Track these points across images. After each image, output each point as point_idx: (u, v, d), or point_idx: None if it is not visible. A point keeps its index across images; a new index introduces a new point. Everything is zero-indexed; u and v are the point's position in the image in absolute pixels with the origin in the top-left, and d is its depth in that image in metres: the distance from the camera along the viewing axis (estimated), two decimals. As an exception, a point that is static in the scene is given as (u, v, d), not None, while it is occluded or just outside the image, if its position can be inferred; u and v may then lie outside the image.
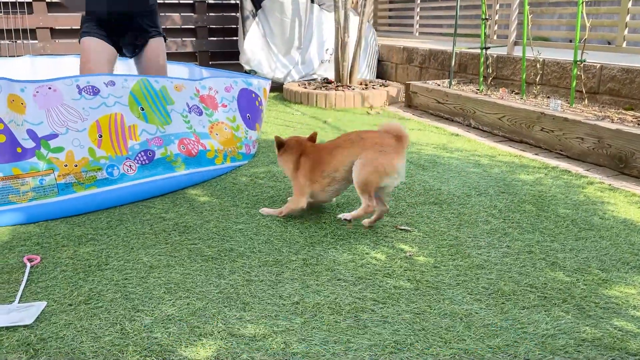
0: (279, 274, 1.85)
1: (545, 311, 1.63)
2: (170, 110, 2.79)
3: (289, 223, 2.30)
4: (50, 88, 2.44)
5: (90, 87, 2.53)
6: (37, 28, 5.40)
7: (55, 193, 2.38)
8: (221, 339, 1.48)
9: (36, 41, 5.43)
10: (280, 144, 2.41)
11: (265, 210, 2.41)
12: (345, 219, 2.33)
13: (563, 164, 3.14)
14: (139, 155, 2.63)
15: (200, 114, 2.95)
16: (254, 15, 5.63)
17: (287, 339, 1.49)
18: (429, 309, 1.64)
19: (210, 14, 6.09)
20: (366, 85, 5.51)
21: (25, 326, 1.55)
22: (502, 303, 1.68)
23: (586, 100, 3.84)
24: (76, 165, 2.43)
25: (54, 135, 2.40)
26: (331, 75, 5.83)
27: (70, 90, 2.47)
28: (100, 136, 2.52)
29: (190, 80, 2.97)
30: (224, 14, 6.14)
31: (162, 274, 1.85)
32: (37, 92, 2.40)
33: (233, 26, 6.12)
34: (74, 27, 5.65)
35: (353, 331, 1.52)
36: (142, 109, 2.68)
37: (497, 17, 5.33)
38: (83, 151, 2.46)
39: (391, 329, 1.54)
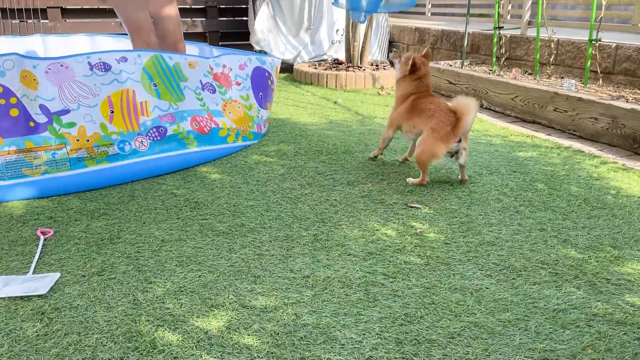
0: (290, 248, 1.86)
1: (556, 287, 1.62)
2: (184, 87, 2.79)
3: (299, 200, 2.30)
4: (62, 65, 2.44)
5: (101, 64, 2.53)
6: (48, 7, 5.39)
7: (68, 167, 2.40)
8: (233, 310, 1.50)
9: (47, 20, 5.43)
10: (414, 68, 2.60)
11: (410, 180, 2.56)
12: (408, 182, 2.53)
13: (576, 144, 3.11)
14: (151, 131, 2.64)
15: (214, 91, 2.94)
16: (265, -5, 5.58)
17: (298, 310, 1.50)
18: (439, 283, 1.64)
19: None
20: (377, 66, 5.46)
21: (39, 296, 1.58)
22: (513, 279, 1.67)
23: (601, 80, 3.78)
24: (88, 140, 2.44)
25: (66, 111, 2.41)
26: (342, 56, 5.78)
27: (82, 67, 2.48)
28: (112, 112, 2.53)
29: (204, 57, 2.96)
30: (234, -7, 6.09)
31: (174, 247, 1.87)
32: (50, 69, 2.41)
33: (243, 6, 6.08)
34: (84, 7, 5.63)
35: (363, 304, 1.53)
36: (155, 85, 2.67)
37: (511, -3, 5.23)
38: (95, 126, 2.47)
39: (401, 302, 1.54)
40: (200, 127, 2.82)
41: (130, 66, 2.61)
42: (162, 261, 1.77)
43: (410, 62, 2.59)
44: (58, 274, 1.70)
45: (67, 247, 1.89)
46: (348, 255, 1.82)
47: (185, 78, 2.81)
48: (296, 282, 1.65)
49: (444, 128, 2.37)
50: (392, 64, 2.81)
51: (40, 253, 1.84)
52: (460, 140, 2.38)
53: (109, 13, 5.66)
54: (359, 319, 1.46)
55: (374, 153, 2.86)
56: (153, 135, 2.64)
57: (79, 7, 5.62)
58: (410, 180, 2.52)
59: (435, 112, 2.43)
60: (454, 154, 2.43)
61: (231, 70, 3.07)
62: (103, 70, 2.53)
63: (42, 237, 1.93)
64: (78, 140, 2.42)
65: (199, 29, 6.03)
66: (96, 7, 5.65)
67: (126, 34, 3.50)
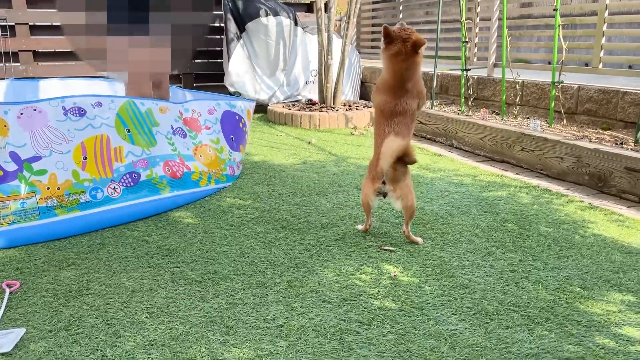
0: (263, 296, 1.84)
1: (528, 330, 1.64)
2: (156, 132, 2.79)
3: (273, 245, 2.29)
4: (35, 109, 2.43)
5: (76, 109, 2.52)
6: (20, 51, 5.38)
7: (37, 216, 2.35)
8: (205, 364, 1.47)
9: (18, 64, 5.40)
10: (388, 38, 2.23)
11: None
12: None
13: (544, 183, 3.20)
14: (124, 177, 2.62)
15: (185, 136, 2.95)
16: (239, 38, 5.68)
17: (272, 362, 1.47)
18: (413, 329, 1.64)
19: (204, 36, 6.12)
20: (350, 106, 5.56)
21: (3, 354, 1.52)
22: (486, 323, 1.68)
23: (565, 120, 3.93)
24: (59, 189, 2.41)
25: (37, 158, 2.38)
26: (316, 97, 5.88)
27: (56, 112, 2.46)
28: (85, 158, 2.51)
29: (174, 103, 2.99)
30: (208, 36, 6.18)
31: (145, 298, 1.83)
32: (22, 113, 2.39)
33: (217, 49, 6.16)
34: (57, 50, 5.64)
35: (338, 354, 1.52)
36: (128, 131, 2.67)
37: (477, 40, 5.44)
38: (67, 174, 2.44)
39: (376, 350, 1.53)
40: (173, 171, 2.81)
41: (105, 111, 2.61)
42: (132, 313, 1.73)
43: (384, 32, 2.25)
44: (23, 330, 1.64)
45: (33, 299, 1.83)
46: (322, 301, 1.81)
47: (157, 123, 2.82)
48: (270, 332, 1.63)
49: (372, 169, 2.26)
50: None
51: (5, 307, 1.78)
52: (384, 182, 2.20)
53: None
54: (333, 370, 1.44)
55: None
56: (126, 181, 2.62)
57: (52, 50, 5.62)
58: (358, 227, 2.48)
59: (376, 153, 2.23)
60: (384, 195, 2.25)
61: (200, 115, 3.10)
62: (77, 115, 2.52)
63: (7, 290, 1.87)
64: (49, 188, 2.38)
65: (174, 71, 6.07)
66: (69, 50, 5.66)
67: (99, 77, 3.52)
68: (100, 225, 2.50)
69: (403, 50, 2.21)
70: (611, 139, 3.32)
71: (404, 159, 2.16)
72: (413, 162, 2.20)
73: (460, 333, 1.62)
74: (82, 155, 2.50)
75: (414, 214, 2.31)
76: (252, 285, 1.92)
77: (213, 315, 1.71)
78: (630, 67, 4.64)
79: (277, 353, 1.51)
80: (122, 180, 2.60)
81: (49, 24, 5.50)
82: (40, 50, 5.57)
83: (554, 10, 3.63)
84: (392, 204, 2.29)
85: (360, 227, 2.48)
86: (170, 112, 2.90)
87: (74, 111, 2.51)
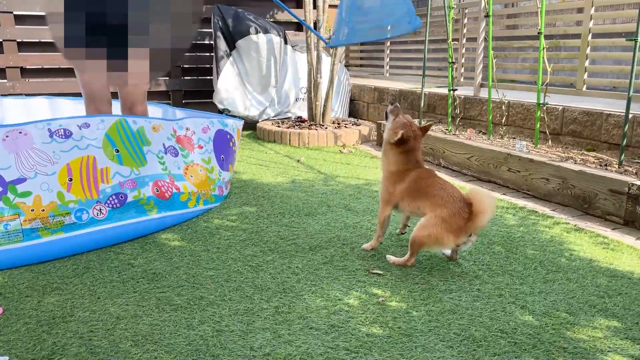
0: (250, 323, 1.83)
1: (515, 357, 1.64)
2: (147, 152, 2.78)
3: (260, 269, 2.28)
4: (21, 132, 2.41)
5: (62, 130, 2.50)
6: (7, 67, 5.35)
7: (20, 239, 2.32)
8: (190, 395, 1.44)
9: (5, 80, 5.37)
10: (401, 142, 2.34)
11: (366, 247, 2.50)
12: (388, 260, 2.38)
13: (530, 204, 3.22)
14: (110, 198, 2.60)
15: (176, 155, 2.94)
16: (228, 55, 5.70)
17: (258, 393, 1.46)
18: (401, 357, 1.64)
19: (184, 53, 6.14)
20: (339, 124, 5.59)
21: (-17, 385, 1.49)
22: (474, 350, 1.68)
23: (550, 141, 3.98)
24: (43, 210, 2.38)
25: (22, 180, 2.36)
26: (305, 114, 5.90)
27: (41, 134, 2.45)
28: (71, 179, 2.49)
29: (168, 120, 2.97)
30: (198, 53, 6.20)
31: (129, 325, 1.80)
32: (7, 136, 2.37)
33: (207, 66, 6.18)
34: (45, 67, 5.61)
35: (325, 383, 1.50)
36: (117, 151, 2.66)
37: (463, 60, 5.52)
38: (51, 195, 2.42)
39: (363, 380, 1.52)
40: (162, 192, 2.79)
41: (93, 132, 2.59)
42: (116, 341, 1.71)
43: (399, 134, 2.32)
44: (6, 358, 1.61)
45: (16, 326, 1.80)
46: (310, 328, 1.80)
47: (149, 142, 2.81)
48: (257, 360, 1.61)
49: (457, 222, 2.17)
50: (386, 116, 2.54)
51: (-14, 335, 1.74)
52: (471, 235, 2.21)
53: (70, 72, 5.65)
54: (320, 400, 1.43)
55: (372, 245, 2.50)
56: (112, 202, 2.60)
57: (40, 66, 5.60)
58: (391, 258, 2.36)
59: (448, 202, 2.21)
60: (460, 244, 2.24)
61: (194, 133, 3.09)
62: (63, 137, 2.50)
63: (-11, 317, 1.84)
64: (33, 210, 2.35)
65: (162, 88, 6.08)
66: (57, 66, 5.64)
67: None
68: (85, 248, 2.47)
69: (416, 144, 2.40)
70: (596, 161, 3.37)
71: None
72: None
73: (448, 361, 1.62)
74: (68, 177, 2.48)
75: None
76: (239, 312, 1.91)
77: (199, 344, 1.70)
78: (614, 89, 4.72)
79: (264, 383, 1.50)
80: (108, 202, 2.58)
81: (37, 40, 5.48)
82: (28, 67, 5.54)
83: (538, 33, 3.70)
84: (458, 248, 2.30)
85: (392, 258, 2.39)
86: (164, 130, 2.89)
87: (60, 133, 2.49)
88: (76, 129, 2.55)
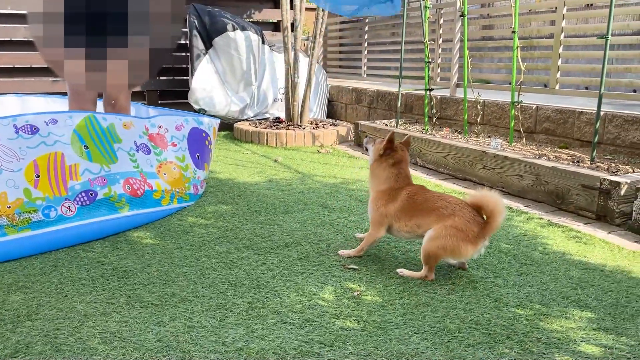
0: (223, 319, 1.79)
1: (489, 348, 1.64)
2: (117, 149, 2.72)
3: (235, 265, 2.25)
4: (-17, 128, 2.33)
5: (28, 126, 2.43)
6: (-24, 65, 5.21)
7: (-15, 238, 2.24)
8: (158, 391, 1.40)
9: (-26, 79, 5.23)
10: (390, 146, 2.27)
11: (343, 252, 2.37)
12: (401, 274, 2.18)
13: (505, 201, 3.24)
14: (80, 195, 2.53)
15: (149, 152, 2.88)
16: (205, 54, 5.64)
17: (229, 388, 1.42)
18: (375, 350, 1.62)
19: (168, 54, 6.06)
20: (317, 124, 5.58)
21: (-60, 386, 1.42)
22: (448, 341, 1.67)
23: (524, 139, 4.02)
24: (9, 207, 2.31)
25: (-15, 177, 2.28)
26: (284, 115, 5.87)
27: (6, 130, 2.37)
28: (38, 176, 2.42)
29: (140, 118, 2.92)
30: (174, 53, 6.12)
31: (98, 322, 1.75)
32: (-30, 132, 2.29)
33: (183, 66, 6.11)
34: (16, 66, 5.49)
35: (298, 377, 1.48)
36: (86, 147, 2.59)
37: (439, 61, 5.56)
38: (18, 192, 2.34)
39: (337, 372, 1.50)
40: (134, 189, 2.73)
41: (60, 128, 2.53)
42: (83, 339, 1.65)
43: (387, 139, 2.25)
44: (-36, 358, 1.54)
45: (-23, 326, 1.73)
46: (284, 323, 1.77)
47: (119, 139, 2.75)
48: (228, 356, 1.57)
49: (472, 228, 2.05)
50: (366, 149, 2.45)
51: (-54, 335, 1.67)
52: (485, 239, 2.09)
53: (44, 71, 5.53)
54: (293, 394, 1.40)
55: (351, 254, 2.35)
56: (82, 200, 2.53)
57: (11, 65, 5.47)
58: (404, 272, 2.17)
59: (457, 211, 2.09)
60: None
61: (167, 131, 3.04)
62: (30, 132, 2.43)
63: (-51, 317, 1.77)
64: (-3, 207, 2.28)
65: (137, 88, 5.98)
66: (29, 65, 5.51)
67: (60, 94, 3.41)
68: (54, 246, 2.40)
69: (403, 155, 2.32)
70: (568, 158, 3.41)
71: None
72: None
73: (422, 352, 1.61)
74: (35, 173, 2.41)
75: None
76: (212, 308, 1.87)
77: (169, 340, 1.65)
78: (586, 88, 4.81)
79: (235, 378, 1.47)
80: (78, 199, 2.52)
81: (8, 39, 5.36)
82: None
83: (512, 32, 3.74)
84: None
85: (405, 272, 2.20)
86: (135, 128, 2.83)
87: (26, 129, 2.42)
88: (43, 125, 2.48)
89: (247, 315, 1.82)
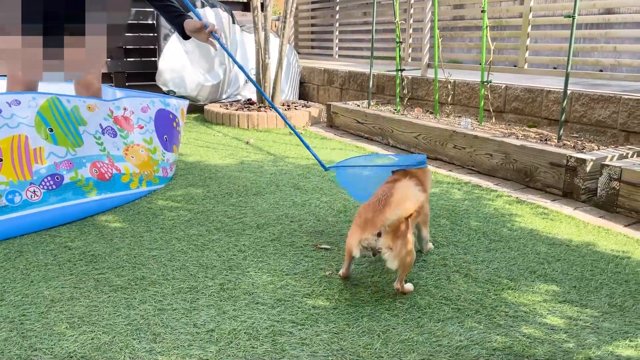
0: (194, 301, 1.78)
1: (458, 323, 1.67)
2: (82, 132, 2.64)
3: (206, 247, 2.23)
4: (-62, 110, 2.24)
5: (-12, 109, 2.35)
6: None
7: (-56, 224, 2.17)
8: (128, 374, 1.39)
9: None
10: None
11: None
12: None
13: (475, 179, 3.29)
14: (45, 179, 2.46)
15: (115, 135, 2.82)
16: (173, 33, 5.50)
17: (201, 369, 1.42)
18: (347, 327, 1.63)
19: (127, 34, 5.90)
20: (289, 105, 5.53)
21: None
22: (418, 317, 1.70)
23: (494, 118, 4.07)
24: (-31, 194, 2.23)
25: (-58, 161, 2.20)
26: (255, 96, 5.81)
27: (-37, 112, 2.28)
28: (1, 160, 2.34)
29: (104, 100, 2.84)
30: (141, 34, 5.97)
31: (65, 307, 1.72)
32: None
33: (151, 47, 5.96)
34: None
35: (270, 356, 1.48)
36: (51, 130, 2.51)
37: (410, 41, 5.56)
38: (-22, 178, 2.26)
39: (309, 350, 1.51)
40: (101, 173, 2.67)
41: (24, 110, 2.44)
42: (50, 324, 1.62)
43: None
44: None
45: (-62, 315, 1.68)
46: (256, 304, 1.77)
47: (84, 122, 2.67)
48: (200, 337, 1.57)
49: (365, 214, 1.80)
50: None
51: None
52: (379, 235, 1.74)
53: None
54: (265, 373, 1.41)
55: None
56: (48, 184, 2.46)
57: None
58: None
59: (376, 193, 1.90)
60: (374, 251, 1.77)
61: (133, 113, 2.97)
62: (-11, 115, 2.34)
63: None
64: (-43, 192, 2.20)
65: (104, 70, 5.82)
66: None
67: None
68: (19, 232, 2.33)
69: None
70: (536, 136, 3.47)
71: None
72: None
73: (393, 328, 1.63)
74: (-3, 157, 2.33)
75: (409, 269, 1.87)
76: (183, 290, 1.85)
77: (139, 323, 1.63)
78: (555, 67, 4.88)
79: (207, 358, 1.46)
80: (43, 183, 2.45)
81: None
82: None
83: (482, 11, 3.75)
84: (386, 263, 1.76)
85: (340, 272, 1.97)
86: (100, 110, 2.76)
87: (-13, 110, 2.33)
88: (6, 106, 2.39)
89: (219, 297, 1.81)
